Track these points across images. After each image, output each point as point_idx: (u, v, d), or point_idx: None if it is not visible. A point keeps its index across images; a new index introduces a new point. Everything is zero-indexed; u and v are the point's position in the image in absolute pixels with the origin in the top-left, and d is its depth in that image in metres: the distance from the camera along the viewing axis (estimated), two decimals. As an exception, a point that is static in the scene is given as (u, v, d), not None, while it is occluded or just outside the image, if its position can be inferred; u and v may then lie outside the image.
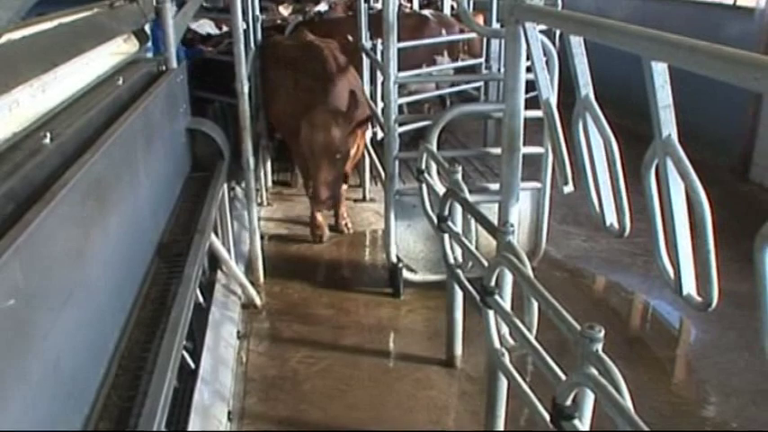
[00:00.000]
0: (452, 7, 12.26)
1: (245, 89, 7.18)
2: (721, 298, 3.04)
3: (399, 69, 7.51)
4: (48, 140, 3.52)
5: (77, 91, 4.49)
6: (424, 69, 10.05)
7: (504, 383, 4.77)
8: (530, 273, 3.76)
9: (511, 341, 4.28)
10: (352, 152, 8.27)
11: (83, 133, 3.99)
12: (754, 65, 2.28)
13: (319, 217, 8.96)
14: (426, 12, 11.66)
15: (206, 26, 11.70)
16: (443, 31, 10.61)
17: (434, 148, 6.09)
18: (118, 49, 5.62)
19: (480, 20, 10.40)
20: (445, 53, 10.70)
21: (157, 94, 5.45)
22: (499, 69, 9.74)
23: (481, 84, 10.41)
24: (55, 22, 4.31)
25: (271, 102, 9.18)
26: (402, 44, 7.08)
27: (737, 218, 7.16)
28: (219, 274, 6.96)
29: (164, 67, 6.39)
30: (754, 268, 2.51)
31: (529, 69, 4.49)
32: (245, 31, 8.02)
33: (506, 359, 4.28)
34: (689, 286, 3.20)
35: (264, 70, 9.55)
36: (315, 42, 9.04)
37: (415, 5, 13.90)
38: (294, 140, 8.23)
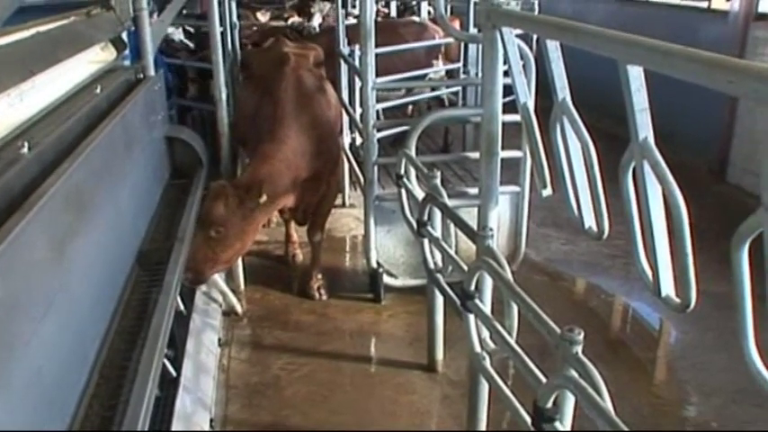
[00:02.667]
0: (429, 12, 12.30)
1: (224, 96, 7.19)
2: (700, 299, 3.05)
3: (401, 72, 7.55)
4: (26, 149, 3.52)
5: (55, 100, 4.48)
6: (423, 71, 10.09)
7: (485, 387, 4.78)
8: (509, 276, 3.78)
9: (492, 345, 4.30)
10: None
11: (61, 142, 3.98)
12: (728, 68, 2.30)
13: (294, 235, 8.72)
14: (424, 19, 11.84)
15: (175, 35, 11.65)
16: (437, 37, 10.72)
17: (413, 153, 6.11)
18: (95, 58, 5.61)
19: (457, 25, 10.45)
20: (440, 57, 10.81)
21: (136, 102, 5.45)
22: (477, 74, 9.78)
23: (459, 88, 10.46)
24: (32, 31, 4.30)
25: (236, 118, 8.12)
26: (379, 50, 7.10)
27: (715, 219, 7.19)
28: (200, 281, 6.96)
29: (142, 75, 6.39)
30: (732, 269, 2.53)
31: (506, 74, 4.50)
32: (223, 38, 8.02)
33: (487, 363, 4.29)
34: (667, 288, 3.21)
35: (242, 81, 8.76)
36: (285, 61, 7.46)
37: (393, 12, 13.95)
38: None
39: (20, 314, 2.80)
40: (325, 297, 7.71)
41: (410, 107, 11.59)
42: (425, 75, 10.24)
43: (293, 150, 6.92)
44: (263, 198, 6.33)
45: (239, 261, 7.53)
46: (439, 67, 10.61)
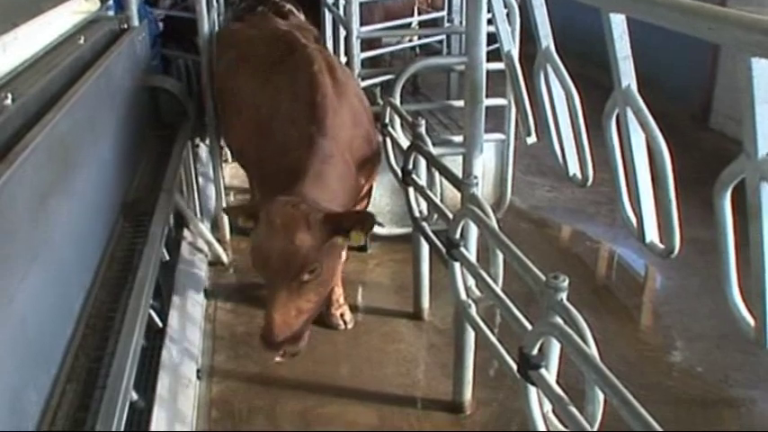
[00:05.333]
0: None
1: (208, 45, 7.13)
2: (684, 245, 3.07)
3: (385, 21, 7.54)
4: (9, 101, 3.51)
5: (39, 51, 4.46)
6: (402, 21, 10.01)
7: (471, 335, 4.80)
8: (494, 224, 3.78)
9: (477, 293, 4.31)
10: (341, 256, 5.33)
11: (45, 93, 3.97)
12: (709, 15, 2.30)
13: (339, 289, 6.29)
14: None
15: None
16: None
17: (398, 101, 6.09)
18: (79, 8, 5.57)
19: (442, -28, 10.39)
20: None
21: (120, 53, 5.42)
22: (461, 22, 9.73)
23: (444, 37, 10.40)
24: (14, -18, 4.27)
25: (228, 123, 6.49)
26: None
27: (698, 165, 7.19)
28: (186, 231, 6.95)
29: (125, 26, 6.35)
30: (715, 214, 2.55)
31: (490, 22, 4.50)
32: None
33: (473, 311, 4.30)
34: (652, 234, 3.23)
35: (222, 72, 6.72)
36: (295, 41, 5.90)
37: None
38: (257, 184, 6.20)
39: (3, 267, 2.80)
40: (350, 326, 6.29)
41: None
42: (410, 24, 10.15)
43: (346, 148, 5.28)
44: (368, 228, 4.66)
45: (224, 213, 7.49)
46: (414, 18, 10.51)
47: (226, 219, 7.53)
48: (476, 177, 4.29)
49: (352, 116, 5.47)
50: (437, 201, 4.96)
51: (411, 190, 5.35)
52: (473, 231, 4.52)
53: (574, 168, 3.85)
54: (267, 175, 5.56)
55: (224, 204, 7.49)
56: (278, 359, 4.78)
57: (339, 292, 6.26)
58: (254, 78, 5.98)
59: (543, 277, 3.04)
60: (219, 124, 6.87)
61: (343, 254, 4.88)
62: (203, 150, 8.71)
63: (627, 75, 2.98)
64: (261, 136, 5.62)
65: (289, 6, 7.53)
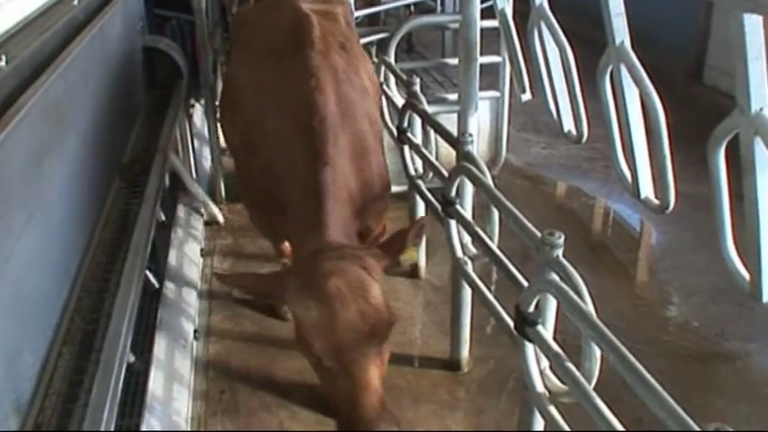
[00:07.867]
0: None
1: (202, 4, 7.10)
2: (678, 200, 3.08)
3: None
4: (3, 63, 3.49)
5: (33, 12, 4.43)
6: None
7: (468, 292, 4.81)
8: (489, 182, 3.78)
9: (473, 250, 4.32)
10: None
11: (39, 55, 3.95)
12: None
13: None
14: None
15: None
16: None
17: (392, 60, 6.07)
18: (71, -32, 5.55)
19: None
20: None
21: (114, 13, 5.40)
22: (455, -20, 9.69)
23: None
24: (6, -58, 4.24)
25: (224, 114, 5.41)
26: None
27: (692, 121, 7.17)
28: (181, 192, 6.93)
29: (119, -14, 6.32)
30: (709, 169, 2.55)
31: (484, -21, 4.48)
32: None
33: (470, 268, 4.31)
34: (646, 190, 3.24)
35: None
36: (305, 36, 4.60)
37: None
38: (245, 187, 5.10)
39: (-1, 230, 2.81)
40: None
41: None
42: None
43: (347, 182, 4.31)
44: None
45: (220, 170, 7.47)
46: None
47: (221, 178, 7.53)
48: (471, 135, 4.29)
49: (358, 143, 4.47)
50: (432, 159, 4.96)
51: (406, 148, 5.34)
52: (468, 189, 4.52)
53: (569, 125, 3.85)
54: (252, 186, 4.82)
55: (218, 169, 7.46)
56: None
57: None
58: (253, 72, 4.87)
59: (539, 234, 3.04)
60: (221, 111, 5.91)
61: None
62: (198, 111, 8.69)
63: (620, 31, 2.97)
64: (250, 141, 4.73)
65: None
